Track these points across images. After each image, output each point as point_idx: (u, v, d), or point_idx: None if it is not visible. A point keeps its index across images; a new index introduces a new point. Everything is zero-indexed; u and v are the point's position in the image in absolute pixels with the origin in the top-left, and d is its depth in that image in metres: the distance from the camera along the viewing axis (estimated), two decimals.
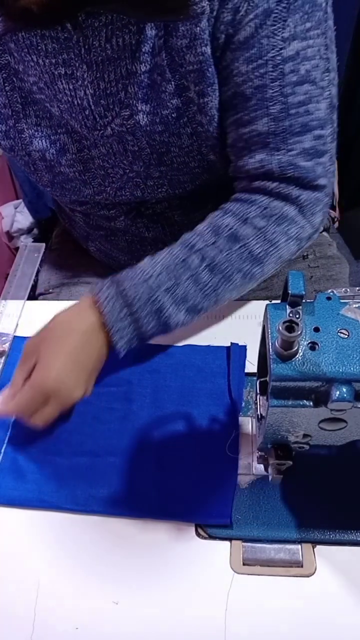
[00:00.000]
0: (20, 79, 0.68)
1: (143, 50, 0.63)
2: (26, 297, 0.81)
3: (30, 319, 0.78)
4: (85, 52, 0.63)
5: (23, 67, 0.67)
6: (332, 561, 0.55)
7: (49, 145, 0.72)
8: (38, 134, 0.72)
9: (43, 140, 0.72)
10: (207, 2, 0.59)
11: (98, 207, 0.81)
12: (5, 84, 0.69)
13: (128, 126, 0.68)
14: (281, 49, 0.61)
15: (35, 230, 1.45)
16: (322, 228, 0.72)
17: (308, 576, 0.54)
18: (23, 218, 1.48)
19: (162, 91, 0.65)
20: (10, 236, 1.51)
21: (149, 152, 0.71)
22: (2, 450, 0.64)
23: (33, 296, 0.96)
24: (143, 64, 0.63)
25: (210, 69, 0.64)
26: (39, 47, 0.63)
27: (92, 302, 0.63)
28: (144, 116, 0.67)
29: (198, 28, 0.61)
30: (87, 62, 0.63)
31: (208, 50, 0.62)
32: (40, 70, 0.65)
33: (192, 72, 0.64)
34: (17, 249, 1.48)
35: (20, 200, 1.52)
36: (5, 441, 0.64)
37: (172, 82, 0.65)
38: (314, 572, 0.54)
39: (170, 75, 0.64)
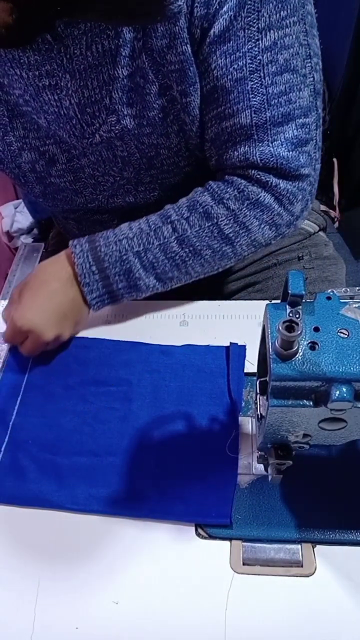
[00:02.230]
0: (5, 92, 0.68)
1: (123, 54, 0.62)
2: None
3: None
4: (67, 61, 0.63)
5: (8, 80, 0.67)
6: (332, 561, 0.55)
7: (38, 157, 0.72)
8: (26, 146, 0.72)
9: (32, 152, 0.72)
10: (182, 0, 0.58)
11: (91, 213, 0.81)
12: None
13: (116, 131, 0.68)
14: (258, 39, 0.61)
15: (35, 230, 1.45)
16: (304, 216, 0.72)
17: (308, 576, 0.54)
18: (23, 218, 1.48)
19: (146, 93, 0.65)
20: (10, 236, 1.52)
21: (139, 157, 0.70)
22: (2, 450, 0.64)
23: None
24: (124, 68, 0.63)
25: (191, 68, 0.63)
26: (22, 60, 0.63)
27: (69, 254, 0.69)
28: (131, 120, 0.67)
29: (177, 27, 0.61)
30: (69, 71, 0.63)
31: (188, 48, 0.62)
32: (24, 83, 0.65)
33: (174, 71, 0.64)
34: (17, 249, 1.48)
35: (20, 200, 1.52)
36: (6, 441, 0.64)
37: (156, 83, 0.64)
38: (314, 572, 0.54)
39: (152, 76, 0.64)
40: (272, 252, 0.93)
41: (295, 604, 0.52)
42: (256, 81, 0.62)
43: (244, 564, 0.55)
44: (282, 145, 0.65)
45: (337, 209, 1.09)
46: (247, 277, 0.93)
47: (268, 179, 0.67)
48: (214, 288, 0.91)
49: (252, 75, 0.62)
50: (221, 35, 0.61)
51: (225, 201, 0.68)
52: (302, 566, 0.54)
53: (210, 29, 0.60)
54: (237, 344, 0.71)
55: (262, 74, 0.62)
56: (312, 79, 0.65)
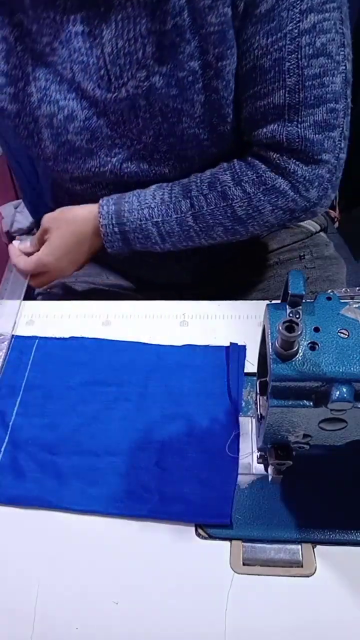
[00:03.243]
0: (32, 39, 0.67)
1: (163, 9, 0.63)
2: (22, 295, 0.81)
3: (29, 318, 0.78)
4: (105, 9, 0.63)
5: (37, 26, 0.66)
6: (332, 561, 0.55)
7: (57, 111, 0.71)
8: (46, 98, 0.71)
9: (51, 105, 0.71)
10: None
11: (99, 187, 0.80)
12: (17, 44, 0.68)
13: (143, 88, 0.68)
14: (298, 21, 0.62)
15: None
16: (325, 203, 0.75)
17: (308, 576, 0.54)
18: (23, 218, 1.48)
19: (180, 52, 0.65)
20: (10, 236, 1.51)
21: (160, 121, 0.70)
22: (2, 450, 0.64)
23: (32, 295, 0.96)
24: (162, 24, 0.64)
25: (230, 31, 0.64)
26: (57, 3, 0.63)
27: (96, 211, 0.76)
28: (160, 78, 0.67)
29: None
30: (106, 19, 0.63)
31: (229, 11, 0.63)
32: (56, 28, 0.65)
33: (212, 33, 0.64)
34: None
35: (20, 200, 1.52)
36: (6, 440, 0.64)
37: (192, 44, 0.65)
38: (314, 572, 0.54)
39: (190, 36, 0.64)
40: (274, 250, 0.93)
41: (295, 604, 0.52)
42: (293, 62, 0.64)
43: (244, 564, 0.55)
44: (310, 127, 0.67)
45: (337, 209, 1.08)
46: (248, 276, 0.93)
47: (287, 165, 0.69)
48: (214, 288, 0.91)
49: (289, 56, 0.64)
50: (266, 15, 0.62)
51: (243, 184, 0.71)
52: (302, 566, 0.54)
53: (256, 8, 0.62)
54: (237, 344, 0.71)
55: (299, 56, 0.64)
56: (344, 67, 0.66)
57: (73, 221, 0.78)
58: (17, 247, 0.82)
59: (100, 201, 0.76)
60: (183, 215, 0.73)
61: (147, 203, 0.74)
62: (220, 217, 0.73)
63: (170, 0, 0.63)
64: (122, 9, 0.63)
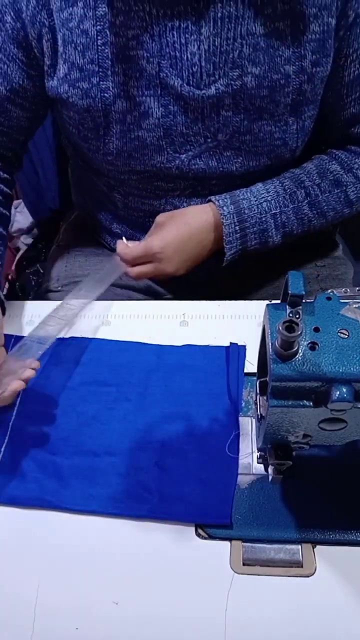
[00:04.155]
0: (115, 32, 0.67)
1: (266, 12, 0.64)
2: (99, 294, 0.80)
3: (30, 318, 0.78)
4: (204, 5, 0.63)
5: (124, 18, 0.65)
6: (332, 561, 0.55)
7: (132, 107, 0.71)
8: (123, 94, 0.70)
9: (127, 102, 0.70)
10: None
11: (156, 178, 0.79)
12: (98, 37, 0.67)
13: (234, 87, 0.68)
14: None
15: (35, 230, 1.45)
16: None
17: (308, 576, 0.54)
18: (23, 218, 1.48)
19: (277, 55, 0.66)
20: (10, 236, 1.51)
21: (242, 118, 0.71)
22: (2, 450, 0.64)
23: (36, 296, 0.96)
24: (263, 26, 0.64)
25: (330, 40, 0.66)
26: None
27: (214, 211, 0.76)
28: (252, 79, 0.68)
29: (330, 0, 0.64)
30: (204, 17, 0.63)
31: (333, 22, 0.65)
32: (149, 22, 0.64)
33: (313, 41, 0.66)
34: (17, 249, 1.48)
35: (20, 200, 1.51)
36: (6, 441, 0.64)
37: (290, 49, 0.66)
38: (314, 572, 0.54)
39: (290, 41, 0.65)
40: (285, 249, 0.93)
41: (295, 604, 0.52)
42: None
43: (244, 564, 0.55)
44: None
45: None
46: (261, 274, 0.93)
47: None
48: (227, 286, 0.91)
49: None
50: None
51: (354, 170, 0.78)
52: (302, 566, 0.54)
53: (352, 6, 0.65)
54: (237, 344, 0.71)
55: None
56: None
57: (191, 217, 0.77)
58: (125, 242, 0.80)
59: (217, 202, 0.76)
60: (299, 204, 0.77)
61: (263, 197, 0.76)
62: (334, 202, 0.78)
63: (275, 4, 0.63)
64: (223, 7, 0.63)
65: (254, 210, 0.76)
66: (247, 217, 0.76)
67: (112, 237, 0.93)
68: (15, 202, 1.54)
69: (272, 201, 0.76)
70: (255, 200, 0.76)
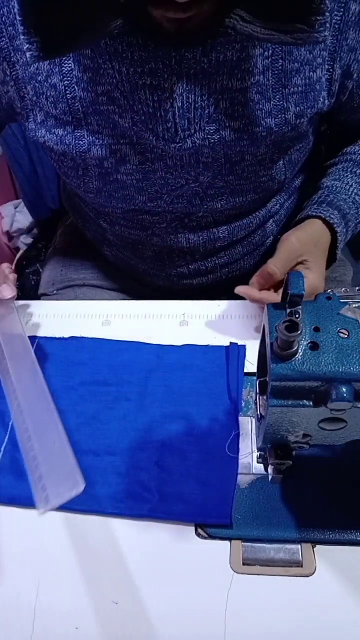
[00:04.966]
0: (83, 88, 0.64)
1: (243, 67, 0.61)
2: None
3: (29, 318, 0.78)
4: (176, 63, 0.59)
5: (92, 74, 0.63)
6: (332, 561, 0.55)
7: (108, 155, 0.69)
8: (98, 142, 0.68)
9: (103, 149, 0.68)
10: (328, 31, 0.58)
11: (140, 212, 0.77)
12: (67, 92, 0.64)
13: (211, 141, 0.66)
14: None
15: (35, 230, 1.45)
16: None
17: (308, 576, 0.54)
18: (23, 218, 1.48)
19: (258, 109, 0.64)
20: (10, 236, 1.51)
21: (223, 163, 0.69)
22: (2, 449, 0.64)
23: (36, 296, 0.96)
24: (241, 82, 0.62)
25: (313, 93, 0.65)
26: (124, 55, 0.59)
27: (325, 225, 0.74)
28: (231, 132, 0.65)
29: (312, 55, 0.63)
30: (177, 74, 0.60)
31: (315, 75, 0.64)
32: (120, 79, 0.61)
33: (295, 94, 0.64)
34: (17, 249, 1.48)
35: (20, 200, 1.52)
36: (6, 440, 0.65)
37: (272, 102, 0.64)
38: (314, 572, 0.54)
39: (272, 94, 0.64)
40: None
41: (295, 604, 0.52)
42: None
43: (244, 564, 0.55)
44: None
45: None
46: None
47: None
48: (225, 287, 0.91)
49: None
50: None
51: None
52: (302, 566, 0.54)
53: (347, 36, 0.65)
54: (237, 344, 0.71)
55: None
56: None
57: (319, 241, 0.74)
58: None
59: (324, 215, 0.73)
60: None
61: (352, 192, 0.76)
62: None
63: (254, 60, 0.61)
64: (196, 65, 0.59)
65: (352, 209, 0.76)
66: (350, 218, 0.76)
67: (108, 247, 0.91)
68: (15, 202, 1.54)
69: (354, 185, 0.77)
70: (346, 195, 0.76)
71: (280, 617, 0.52)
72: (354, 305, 0.45)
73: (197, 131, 0.65)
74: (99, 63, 0.62)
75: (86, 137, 0.68)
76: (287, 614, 0.52)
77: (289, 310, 0.45)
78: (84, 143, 0.68)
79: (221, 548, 0.56)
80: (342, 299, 0.46)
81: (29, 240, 1.45)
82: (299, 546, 0.56)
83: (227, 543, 0.56)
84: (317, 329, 0.44)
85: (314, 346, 0.43)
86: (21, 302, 0.80)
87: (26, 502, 0.60)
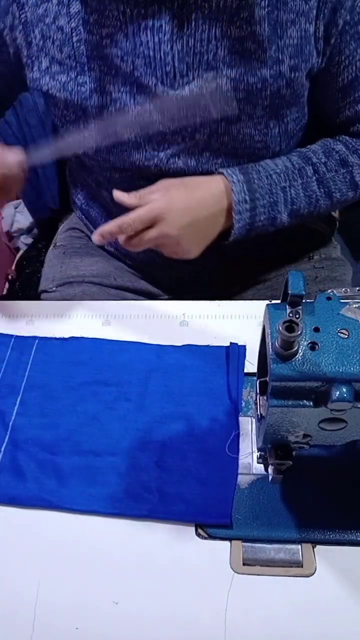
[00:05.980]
0: (88, 30, 0.67)
1: (242, 15, 0.63)
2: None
3: (29, 318, 0.78)
4: (178, 6, 0.62)
5: (98, 16, 0.65)
6: (332, 561, 0.55)
7: (108, 103, 0.71)
8: (99, 89, 0.70)
9: (103, 97, 0.70)
10: None
11: (138, 177, 0.78)
12: (73, 34, 0.67)
13: (208, 89, 0.67)
14: None
15: (35, 230, 1.45)
16: None
17: (308, 576, 0.54)
18: (23, 218, 1.48)
19: (253, 59, 0.66)
20: (10, 236, 1.51)
21: (219, 120, 0.70)
22: (2, 449, 0.64)
23: (36, 294, 0.96)
24: (239, 30, 0.64)
25: (308, 46, 0.66)
26: None
27: (224, 180, 0.72)
28: (228, 81, 0.67)
29: (307, 5, 0.64)
30: (178, 17, 0.63)
31: (311, 28, 0.65)
32: (122, 21, 0.64)
33: (290, 46, 0.66)
34: (17, 249, 1.48)
35: (20, 200, 1.52)
36: (6, 440, 0.64)
37: (267, 53, 0.66)
38: (314, 572, 0.54)
39: (267, 45, 0.65)
40: (283, 250, 0.93)
41: (295, 604, 0.52)
42: None
43: (244, 564, 0.55)
44: None
45: (337, 211, 1.08)
46: (258, 274, 0.93)
47: None
48: (223, 285, 0.91)
49: None
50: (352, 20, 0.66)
51: (359, 152, 0.77)
52: (302, 566, 0.54)
53: (356, 25, 0.66)
54: (237, 344, 0.71)
55: None
56: None
57: (196, 186, 0.72)
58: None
59: (225, 172, 0.72)
60: (308, 179, 0.75)
61: (272, 169, 0.74)
62: (340, 183, 0.77)
63: (251, 9, 0.63)
64: (197, 9, 0.63)
65: (264, 182, 0.73)
66: (256, 187, 0.73)
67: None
68: (15, 202, 1.54)
69: (282, 174, 0.74)
70: (264, 172, 0.74)
71: (280, 617, 0.52)
72: (354, 305, 0.45)
73: (195, 77, 0.67)
74: (104, 4, 0.64)
75: (88, 83, 0.70)
76: (287, 614, 0.52)
77: (289, 310, 0.45)
78: (85, 90, 0.70)
79: (221, 548, 0.56)
80: (342, 299, 0.46)
81: (29, 240, 1.45)
82: (299, 546, 0.56)
83: (227, 543, 0.56)
84: (317, 329, 0.44)
85: (313, 346, 0.43)
86: (21, 302, 0.81)
87: (26, 502, 0.60)
